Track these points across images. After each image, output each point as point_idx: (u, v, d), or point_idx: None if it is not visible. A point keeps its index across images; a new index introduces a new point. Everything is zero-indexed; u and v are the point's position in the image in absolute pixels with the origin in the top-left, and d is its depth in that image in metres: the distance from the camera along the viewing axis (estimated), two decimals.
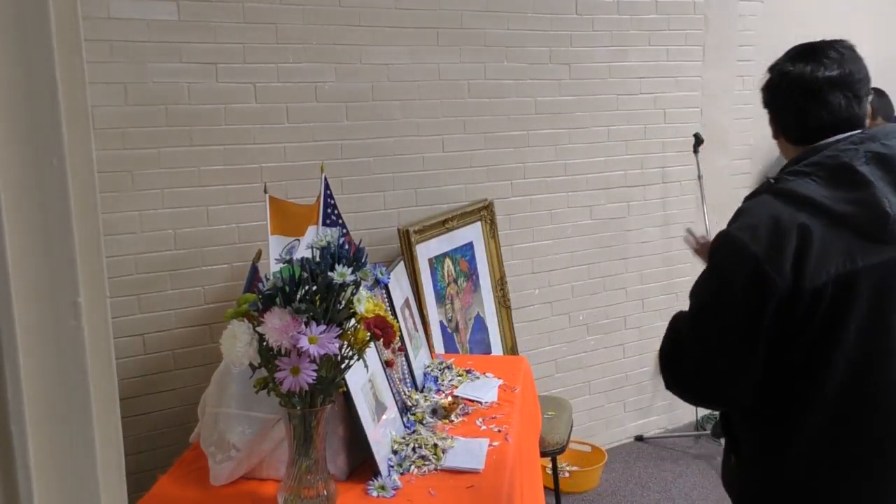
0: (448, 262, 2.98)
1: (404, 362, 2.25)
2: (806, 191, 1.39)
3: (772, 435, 1.48)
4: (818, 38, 1.53)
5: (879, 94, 3.68)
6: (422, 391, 2.26)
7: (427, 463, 1.82)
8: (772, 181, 1.48)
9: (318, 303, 1.49)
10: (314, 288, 1.49)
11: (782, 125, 1.55)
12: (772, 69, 1.54)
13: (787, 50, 1.54)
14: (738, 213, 1.48)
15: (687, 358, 1.48)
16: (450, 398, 2.19)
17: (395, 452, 1.85)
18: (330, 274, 1.47)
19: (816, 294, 1.35)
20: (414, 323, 2.48)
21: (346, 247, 1.54)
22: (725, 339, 1.42)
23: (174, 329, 2.63)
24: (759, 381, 1.44)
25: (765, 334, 1.39)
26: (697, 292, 1.48)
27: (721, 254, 1.46)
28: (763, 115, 1.62)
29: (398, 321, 2.04)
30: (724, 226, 1.51)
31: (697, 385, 1.50)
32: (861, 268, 1.35)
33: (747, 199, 1.53)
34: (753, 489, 1.52)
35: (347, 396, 1.70)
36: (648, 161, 3.69)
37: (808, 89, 1.46)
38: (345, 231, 2.28)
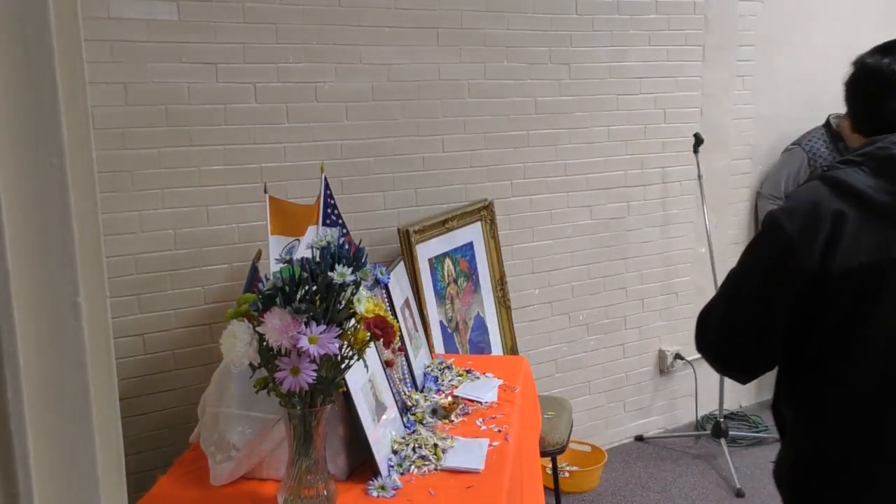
0: (448, 262, 2.98)
1: (404, 362, 2.25)
2: (850, 179, 1.41)
3: (798, 421, 1.50)
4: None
5: None
6: (422, 391, 2.26)
7: (427, 463, 1.82)
8: (825, 168, 1.51)
9: (318, 303, 1.49)
10: (314, 288, 1.49)
11: (857, 118, 1.57)
12: (854, 63, 1.56)
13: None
14: (788, 196, 1.51)
15: (711, 326, 1.52)
16: (450, 398, 2.19)
17: (395, 452, 1.85)
18: (330, 274, 1.48)
19: (843, 280, 1.36)
20: (414, 323, 2.48)
21: (346, 247, 1.54)
22: (746, 315, 1.46)
23: (174, 329, 2.64)
24: (784, 367, 1.48)
25: (785, 316, 1.41)
26: (737, 264, 1.53)
27: (760, 231, 1.51)
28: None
29: (398, 321, 2.04)
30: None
31: (716, 353, 1.54)
32: (893, 259, 1.36)
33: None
34: (787, 469, 1.54)
35: (347, 396, 1.70)
36: (648, 161, 3.69)
37: (884, 82, 1.48)
38: (345, 231, 2.28)
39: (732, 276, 1.52)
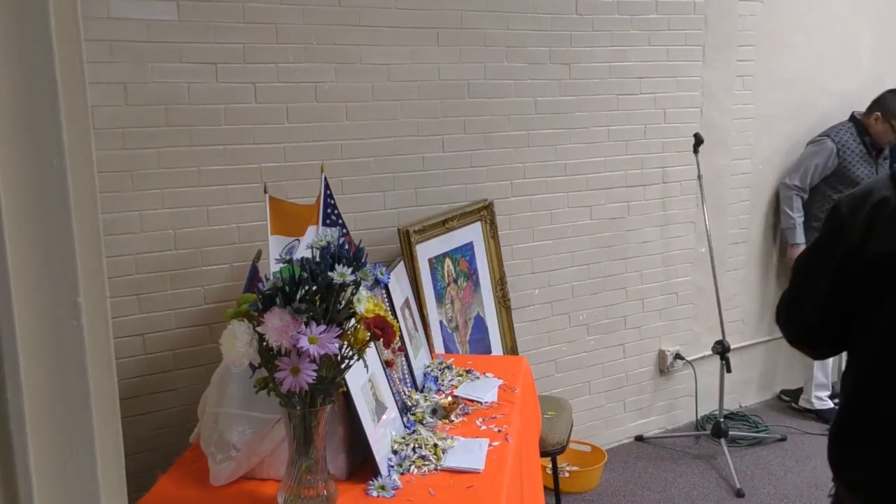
0: (448, 262, 2.98)
1: (404, 362, 2.25)
2: None
3: (842, 390, 1.54)
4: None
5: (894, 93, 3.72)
6: (422, 391, 2.26)
7: (427, 463, 1.82)
8: None
9: (318, 303, 1.49)
10: (314, 288, 1.49)
11: None
12: None
13: None
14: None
15: (784, 301, 1.61)
16: (450, 398, 2.19)
17: (395, 452, 1.85)
18: (330, 274, 1.48)
19: (874, 264, 1.39)
20: (414, 323, 2.48)
21: (346, 247, 1.54)
22: (807, 290, 1.53)
23: (174, 329, 2.63)
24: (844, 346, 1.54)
25: (833, 291, 1.47)
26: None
27: (826, 214, 1.59)
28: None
29: (398, 321, 2.04)
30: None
31: (786, 328, 1.61)
32: None
33: None
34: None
35: (347, 396, 1.70)
36: (648, 161, 3.69)
37: None
38: (345, 231, 2.28)
39: (802, 254, 1.61)
